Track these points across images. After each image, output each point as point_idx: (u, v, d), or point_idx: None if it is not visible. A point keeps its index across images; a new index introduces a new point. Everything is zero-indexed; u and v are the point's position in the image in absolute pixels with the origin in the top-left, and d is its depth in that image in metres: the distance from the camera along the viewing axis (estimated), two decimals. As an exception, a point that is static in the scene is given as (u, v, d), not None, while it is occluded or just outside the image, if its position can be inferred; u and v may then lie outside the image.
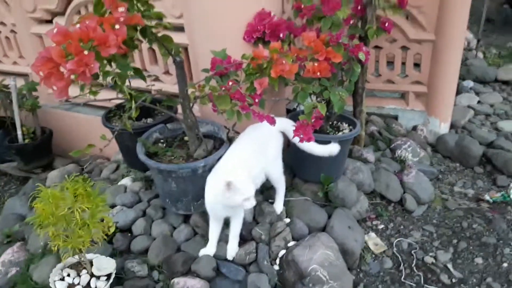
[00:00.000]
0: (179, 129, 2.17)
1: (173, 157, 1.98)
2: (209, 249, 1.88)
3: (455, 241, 2.22)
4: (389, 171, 2.53)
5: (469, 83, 3.89)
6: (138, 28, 1.38)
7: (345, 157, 2.31)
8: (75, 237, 1.46)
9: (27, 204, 2.53)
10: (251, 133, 1.95)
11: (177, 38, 2.51)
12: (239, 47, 2.12)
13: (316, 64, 1.78)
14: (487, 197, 2.50)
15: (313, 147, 1.97)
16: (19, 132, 2.99)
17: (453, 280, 1.99)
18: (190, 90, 1.79)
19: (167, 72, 2.71)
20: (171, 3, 2.46)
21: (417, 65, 3.02)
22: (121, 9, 1.25)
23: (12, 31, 3.27)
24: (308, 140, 1.78)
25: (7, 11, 3.23)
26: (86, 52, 1.09)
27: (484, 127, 3.24)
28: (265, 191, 2.20)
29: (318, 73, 1.80)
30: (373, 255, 2.13)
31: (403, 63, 3.04)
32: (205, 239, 1.95)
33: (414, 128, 3.07)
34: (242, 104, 1.73)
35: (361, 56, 1.98)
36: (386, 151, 2.78)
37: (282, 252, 1.92)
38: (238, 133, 2.09)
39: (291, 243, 1.96)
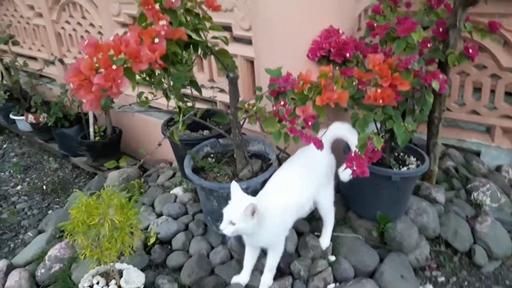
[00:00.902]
0: (230, 144, 2.10)
1: (219, 174, 1.91)
2: (242, 277, 1.77)
3: (530, 311, 1.88)
4: (460, 216, 2.23)
5: None
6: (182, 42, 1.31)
7: (409, 195, 2.07)
8: (102, 248, 1.43)
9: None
10: (300, 157, 1.82)
11: (245, 51, 2.48)
12: (302, 64, 2.00)
13: (379, 90, 1.60)
14: None
15: None
16: (91, 130, 3.14)
17: None
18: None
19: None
20: (241, 15, 2.41)
21: (508, 94, 2.66)
22: (162, 22, 1.19)
23: (99, 32, 3.46)
24: (362, 174, 1.60)
25: (96, 13, 3.42)
26: (114, 67, 1.04)
27: None
28: (313, 222, 2.04)
29: (381, 101, 1.61)
30: (426, 312, 1.88)
31: (492, 91, 2.70)
32: (240, 265, 1.84)
33: (498, 168, 2.69)
34: (291, 126, 1.61)
35: (435, 85, 1.74)
36: (460, 191, 2.45)
37: (321, 294, 1.76)
38: (289, 155, 1.96)
39: (331, 286, 1.78)
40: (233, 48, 2.53)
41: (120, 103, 3.28)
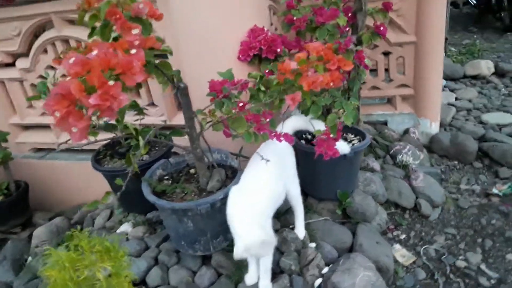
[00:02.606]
0: (182, 162, 1.99)
1: (184, 194, 1.79)
2: (250, 278, 1.70)
3: (479, 240, 2.16)
4: (397, 178, 2.45)
5: (442, 82, 3.96)
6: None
7: (358, 168, 2.21)
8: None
9: (11, 269, 2.22)
10: (267, 151, 1.80)
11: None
12: (234, 68, 1.98)
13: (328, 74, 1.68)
14: (495, 191, 2.49)
15: None
16: (-11, 189, 2.67)
17: (492, 282, 1.91)
18: (200, 117, 1.62)
19: (151, 104, 2.52)
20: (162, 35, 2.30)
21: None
22: (135, 31, 1.09)
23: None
24: (334, 155, 1.66)
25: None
26: (111, 83, 0.91)
27: (469, 122, 3.27)
28: (281, 217, 2.05)
29: (332, 83, 1.69)
30: (404, 268, 2.02)
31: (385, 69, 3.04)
32: (231, 280, 1.76)
33: (406, 131, 3.04)
34: (257, 125, 1.59)
35: (368, 62, 1.90)
36: (386, 158, 2.71)
37: (318, 281, 1.76)
38: (246, 157, 1.93)
39: (325, 269, 1.81)
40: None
41: (18, 154, 2.88)
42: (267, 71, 1.84)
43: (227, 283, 1.75)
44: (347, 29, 2.13)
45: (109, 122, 1.96)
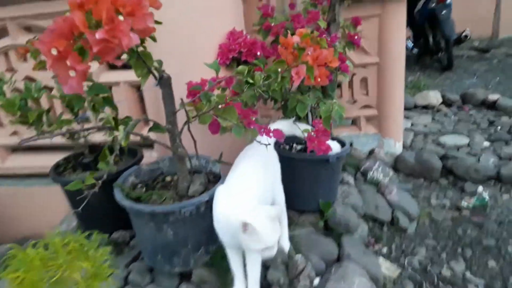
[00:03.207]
0: (156, 169, 1.82)
1: (162, 200, 1.60)
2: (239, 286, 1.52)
3: (459, 249, 2.13)
4: (373, 192, 2.42)
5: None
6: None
7: (339, 177, 2.14)
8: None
9: None
10: (252, 154, 1.69)
11: (129, 75, 2.23)
12: (212, 72, 1.90)
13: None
14: (464, 204, 2.51)
15: None
16: None
17: (480, 288, 1.87)
18: (187, 108, 1.48)
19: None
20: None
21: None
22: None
23: None
24: (326, 150, 1.58)
25: None
26: (121, 18, 0.78)
27: (429, 144, 3.37)
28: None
29: (319, 79, 1.64)
30: (392, 280, 1.93)
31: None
32: (217, 294, 1.57)
33: (371, 151, 3.05)
34: (246, 120, 1.49)
35: (349, 63, 1.89)
36: (357, 175, 2.68)
37: (311, 292, 1.62)
38: (227, 163, 1.80)
39: (316, 280, 1.67)
40: (113, 76, 2.25)
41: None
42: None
43: (212, 300, 1.56)
44: (324, 35, 2.13)
45: (73, 131, 1.78)
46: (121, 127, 1.36)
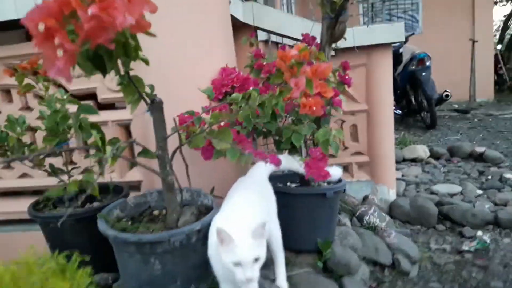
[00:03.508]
0: (143, 203, 1.71)
1: (150, 232, 1.49)
2: None
3: (467, 292, 2.01)
4: (371, 235, 2.31)
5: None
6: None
7: (337, 214, 2.05)
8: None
9: None
10: (247, 184, 1.61)
11: (118, 115, 2.19)
12: (204, 106, 1.87)
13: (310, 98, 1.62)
14: (466, 247, 2.42)
15: None
16: None
17: (494, 331, 1.72)
18: (180, 131, 1.42)
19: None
20: (109, 77, 2.15)
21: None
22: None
23: None
24: (325, 177, 1.51)
25: None
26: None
27: (422, 192, 3.32)
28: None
29: (314, 108, 1.62)
30: (398, 325, 1.78)
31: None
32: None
33: (365, 198, 2.98)
34: (241, 144, 1.44)
35: (342, 98, 1.89)
36: (353, 220, 2.58)
37: (313, 333, 1.46)
38: (220, 197, 1.71)
39: (319, 321, 1.52)
40: (102, 116, 2.20)
41: None
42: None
43: None
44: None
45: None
46: (108, 148, 1.29)
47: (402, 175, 3.80)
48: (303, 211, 1.87)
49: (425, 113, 6.19)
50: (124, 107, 2.21)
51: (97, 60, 1.04)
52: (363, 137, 3.01)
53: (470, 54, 8.59)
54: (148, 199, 1.72)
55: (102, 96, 2.20)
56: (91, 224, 1.49)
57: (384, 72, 2.91)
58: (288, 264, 1.88)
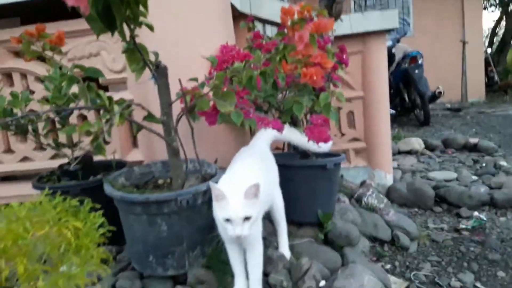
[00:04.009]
0: (148, 173, 1.73)
1: (156, 196, 1.51)
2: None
3: (465, 264, 2.03)
4: (370, 212, 2.34)
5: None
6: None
7: (337, 188, 2.08)
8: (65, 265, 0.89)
9: None
10: (251, 152, 1.64)
11: (120, 95, 2.22)
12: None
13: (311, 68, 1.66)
14: (463, 226, 2.45)
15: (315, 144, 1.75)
16: None
17: (494, 296, 1.75)
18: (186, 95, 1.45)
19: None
20: (111, 57, 2.20)
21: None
22: None
23: None
24: (326, 141, 1.55)
25: None
26: None
27: (418, 179, 3.36)
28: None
29: (314, 77, 1.66)
30: (400, 293, 1.80)
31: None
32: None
33: (362, 183, 3.01)
34: (245, 108, 1.48)
35: (342, 71, 1.93)
36: (352, 200, 2.61)
37: (317, 293, 1.49)
38: (223, 168, 1.74)
39: (322, 283, 1.54)
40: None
41: None
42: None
43: (211, 302, 1.40)
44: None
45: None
46: (116, 106, 1.32)
47: (398, 165, 3.84)
48: (304, 183, 1.90)
49: (418, 110, 6.26)
50: (125, 89, 2.24)
51: (106, 15, 1.08)
52: (359, 124, 3.05)
53: (460, 56, 8.73)
54: (152, 169, 1.74)
55: (107, 76, 2.23)
56: (95, 196, 1.50)
57: (379, 59, 2.96)
58: (290, 236, 1.90)
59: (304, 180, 1.89)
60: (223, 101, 1.41)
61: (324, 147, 1.81)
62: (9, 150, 2.44)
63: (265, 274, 1.58)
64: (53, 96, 1.32)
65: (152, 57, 1.48)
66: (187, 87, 1.59)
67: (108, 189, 1.44)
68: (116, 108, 1.29)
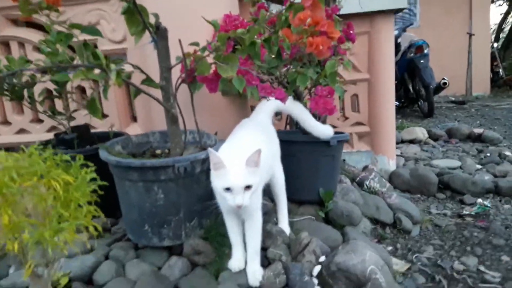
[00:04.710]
0: (145, 143, 1.68)
1: (153, 163, 1.46)
2: (236, 263, 1.36)
3: (469, 248, 1.98)
4: (372, 194, 2.30)
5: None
6: None
7: (339, 166, 2.03)
8: (52, 221, 0.84)
9: None
10: (253, 124, 1.59)
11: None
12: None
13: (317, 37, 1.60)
14: (466, 212, 2.40)
15: (318, 125, 1.70)
16: None
17: (497, 279, 1.70)
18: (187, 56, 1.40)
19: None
20: (111, 26, 2.13)
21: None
22: None
23: None
24: (330, 112, 1.49)
25: None
26: None
27: (422, 166, 3.31)
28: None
29: (321, 47, 1.60)
30: (401, 274, 1.75)
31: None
32: (210, 270, 1.37)
33: (365, 168, 2.96)
34: (247, 75, 1.42)
35: (348, 45, 1.87)
36: (353, 184, 2.56)
37: (317, 268, 1.44)
38: (222, 140, 1.69)
39: (322, 258, 1.50)
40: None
41: None
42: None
43: (204, 275, 1.36)
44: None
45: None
46: (113, 65, 1.26)
47: (401, 153, 3.78)
48: (306, 160, 1.85)
49: (422, 101, 6.19)
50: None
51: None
52: (364, 107, 2.99)
53: (466, 49, 8.61)
54: (150, 139, 1.69)
55: (103, 47, 2.17)
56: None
57: (386, 40, 2.89)
58: (290, 214, 1.86)
59: (307, 157, 1.84)
60: (225, 65, 1.35)
61: (325, 132, 1.76)
62: (5, 122, 2.39)
63: (264, 249, 1.53)
64: (48, 52, 1.26)
65: (152, 20, 1.42)
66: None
67: (103, 154, 1.39)
68: (113, 66, 1.23)
